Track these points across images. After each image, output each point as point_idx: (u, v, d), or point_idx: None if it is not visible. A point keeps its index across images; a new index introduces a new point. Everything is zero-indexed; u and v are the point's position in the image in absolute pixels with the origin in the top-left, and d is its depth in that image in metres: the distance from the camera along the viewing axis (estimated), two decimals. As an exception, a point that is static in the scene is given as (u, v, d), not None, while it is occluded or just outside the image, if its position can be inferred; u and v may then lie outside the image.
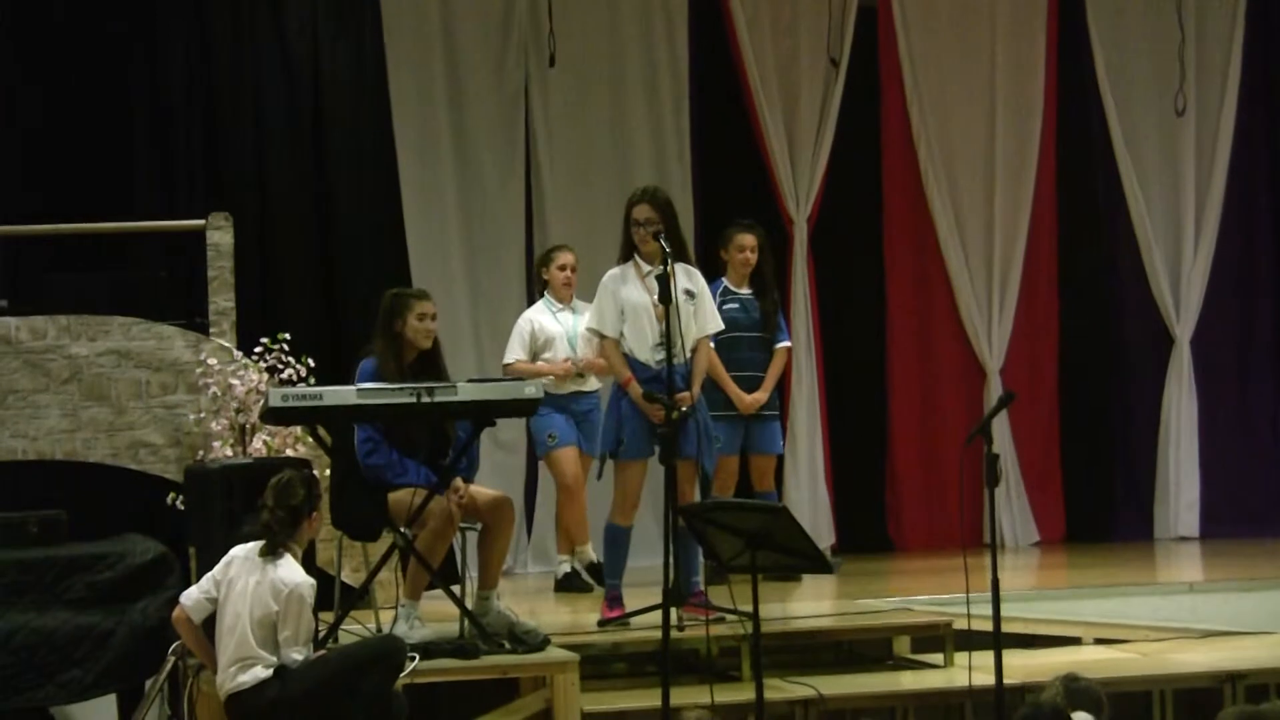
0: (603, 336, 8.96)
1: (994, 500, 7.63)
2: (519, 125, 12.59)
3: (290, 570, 7.33)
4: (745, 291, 10.68)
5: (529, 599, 10.40)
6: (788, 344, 10.89)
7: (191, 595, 7.49)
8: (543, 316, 10.67)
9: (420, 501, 8.14)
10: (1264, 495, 13.61)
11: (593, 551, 10.64)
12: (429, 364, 8.51)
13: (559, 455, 10.53)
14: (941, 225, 13.24)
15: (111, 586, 9.13)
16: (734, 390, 10.48)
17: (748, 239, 10.70)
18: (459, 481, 8.29)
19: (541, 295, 10.78)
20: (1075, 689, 6.09)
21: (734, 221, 10.88)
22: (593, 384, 10.64)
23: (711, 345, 9.39)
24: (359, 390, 8.04)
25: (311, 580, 7.38)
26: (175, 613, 7.55)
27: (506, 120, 12.57)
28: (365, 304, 9.86)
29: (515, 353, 10.59)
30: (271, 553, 7.37)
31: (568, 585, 10.65)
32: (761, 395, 10.56)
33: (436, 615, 8.80)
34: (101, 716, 9.55)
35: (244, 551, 7.44)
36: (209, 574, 7.49)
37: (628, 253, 8.93)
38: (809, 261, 12.89)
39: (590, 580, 10.57)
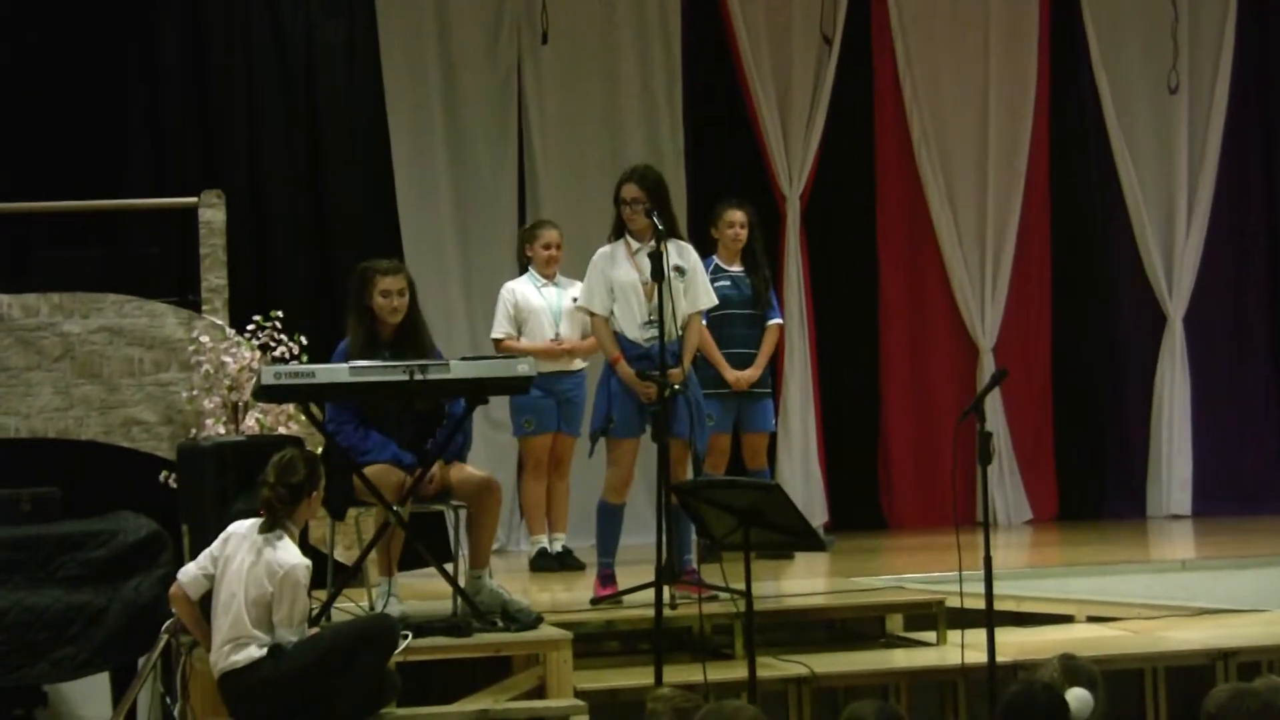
0: (592, 314, 8.96)
1: (987, 478, 7.64)
2: (511, 102, 12.59)
3: (286, 551, 7.32)
4: (736, 269, 10.67)
5: (521, 577, 10.40)
6: (780, 321, 10.90)
7: (189, 572, 7.48)
8: (526, 289, 10.66)
9: (413, 481, 8.13)
10: (1256, 473, 13.64)
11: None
12: (408, 336, 8.43)
13: (532, 441, 10.62)
14: (934, 202, 13.24)
15: (104, 564, 9.14)
16: (725, 367, 10.48)
17: (736, 215, 10.69)
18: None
19: (525, 270, 10.78)
20: (1072, 667, 6.09)
21: (723, 199, 10.88)
22: (577, 364, 10.66)
23: (704, 321, 9.39)
24: (351, 368, 8.02)
25: (307, 562, 7.36)
26: (172, 589, 7.54)
27: (499, 98, 12.57)
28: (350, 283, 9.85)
29: (503, 327, 10.60)
30: (271, 529, 7.36)
31: (540, 565, 10.70)
32: (753, 372, 10.56)
33: (429, 594, 8.81)
34: (94, 694, 9.56)
35: (242, 528, 7.42)
36: (206, 550, 7.46)
37: (619, 231, 8.93)
38: (802, 238, 12.90)
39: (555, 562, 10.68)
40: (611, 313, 8.87)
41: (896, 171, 13.32)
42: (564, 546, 10.69)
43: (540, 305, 10.60)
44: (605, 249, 8.95)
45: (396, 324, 8.41)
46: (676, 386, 8.53)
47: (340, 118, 12.35)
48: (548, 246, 10.68)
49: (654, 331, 8.59)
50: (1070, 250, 13.62)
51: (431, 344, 8.54)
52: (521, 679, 7.98)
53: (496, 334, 10.62)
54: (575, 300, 9.82)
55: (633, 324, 8.82)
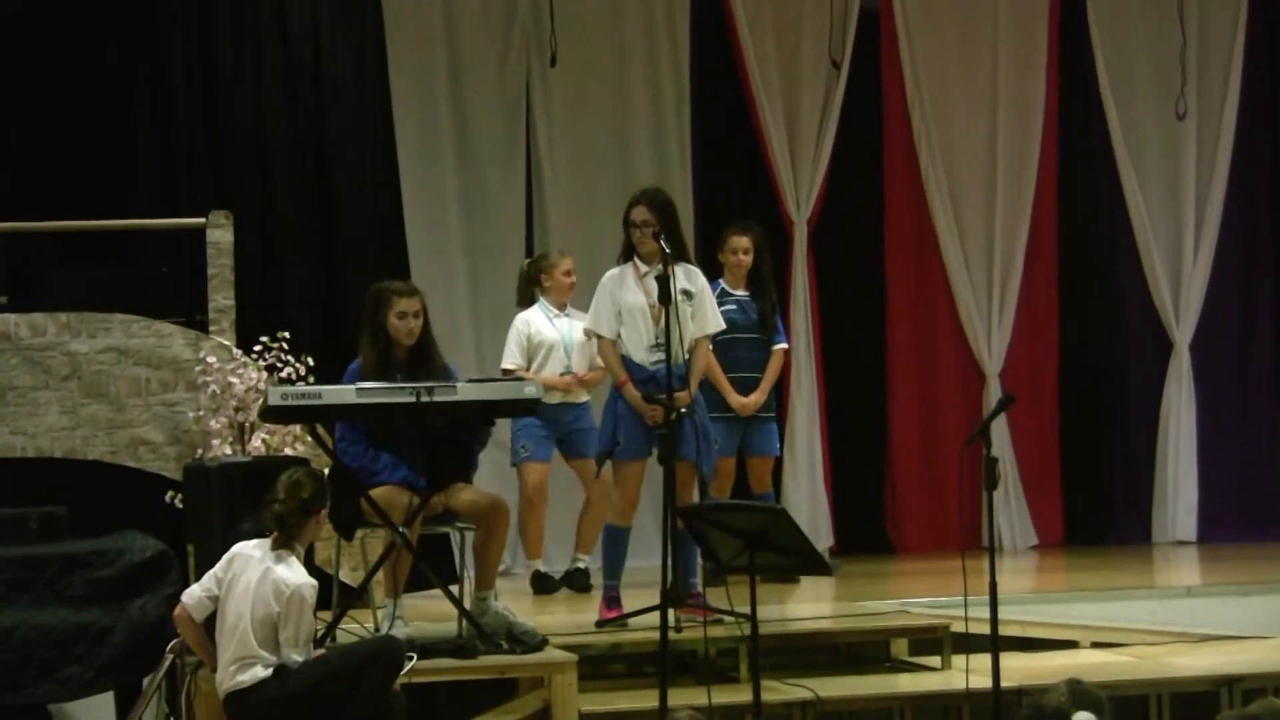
0: (599, 337, 8.97)
1: (993, 503, 7.65)
2: (520, 125, 12.58)
3: (293, 571, 7.34)
4: (742, 293, 10.67)
5: (526, 599, 10.41)
6: (785, 345, 10.89)
7: (193, 594, 7.49)
8: (539, 320, 10.67)
9: (417, 506, 8.13)
10: (1262, 499, 13.62)
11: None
12: (420, 358, 8.43)
13: (527, 467, 10.63)
14: (942, 228, 13.23)
15: (110, 584, 9.14)
16: (730, 392, 10.48)
17: (741, 240, 10.69)
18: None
19: (534, 300, 10.77)
20: (1079, 692, 6.09)
21: (730, 223, 10.89)
22: (581, 395, 10.68)
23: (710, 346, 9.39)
24: (358, 389, 8.02)
25: (313, 582, 7.38)
26: (177, 611, 7.55)
27: (508, 120, 12.57)
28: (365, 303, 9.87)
29: (514, 358, 10.60)
30: (284, 545, 7.37)
31: (539, 587, 10.74)
32: (758, 397, 10.56)
33: (434, 615, 8.81)
34: (99, 714, 9.55)
35: (247, 549, 7.44)
36: (210, 572, 7.48)
37: (628, 253, 8.93)
38: (809, 263, 12.89)
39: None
40: (618, 335, 8.87)
41: (904, 196, 13.32)
42: (584, 566, 10.70)
43: (554, 337, 10.60)
44: (614, 271, 8.95)
45: (410, 346, 8.41)
46: (683, 409, 8.54)
47: (349, 138, 12.34)
48: (568, 273, 10.70)
49: (661, 355, 8.60)
50: (1077, 276, 13.62)
51: (444, 364, 8.54)
52: (527, 701, 7.98)
53: (507, 364, 10.60)
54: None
55: (640, 347, 8.82)
